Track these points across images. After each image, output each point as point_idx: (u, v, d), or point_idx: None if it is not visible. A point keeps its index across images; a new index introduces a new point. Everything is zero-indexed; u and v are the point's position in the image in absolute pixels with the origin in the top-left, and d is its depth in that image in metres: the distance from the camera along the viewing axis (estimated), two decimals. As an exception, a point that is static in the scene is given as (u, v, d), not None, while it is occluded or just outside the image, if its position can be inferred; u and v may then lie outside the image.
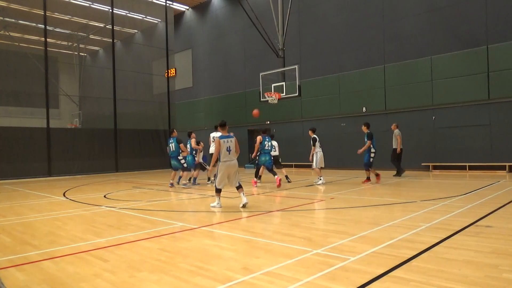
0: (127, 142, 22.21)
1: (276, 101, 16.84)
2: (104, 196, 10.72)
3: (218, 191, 8.04)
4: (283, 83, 17.05)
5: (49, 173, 19.07)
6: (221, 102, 26.05)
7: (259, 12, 20.27)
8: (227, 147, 7.88)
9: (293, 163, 21.17)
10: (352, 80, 19.00)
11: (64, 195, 11.38)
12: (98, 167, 20.76)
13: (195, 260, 4.38)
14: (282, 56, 18.34)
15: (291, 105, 21.03)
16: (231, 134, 8.76)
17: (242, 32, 24.31)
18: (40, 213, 8.27)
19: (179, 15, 28.70)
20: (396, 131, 14.19)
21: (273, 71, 17.63)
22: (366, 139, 12.13)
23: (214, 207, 8.06)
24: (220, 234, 5.79)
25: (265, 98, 17.03)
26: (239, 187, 8.04)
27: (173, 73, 25.63)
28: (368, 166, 12.11)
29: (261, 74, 17.68)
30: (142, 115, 23.78)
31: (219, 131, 9.27)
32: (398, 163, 14.08)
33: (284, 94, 16.83)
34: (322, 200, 9.00)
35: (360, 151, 12.25)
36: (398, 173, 14.05)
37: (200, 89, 27.77)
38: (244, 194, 8.08)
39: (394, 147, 14.11)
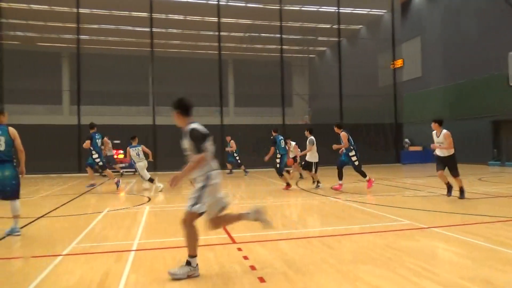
0: (352, 136, 22.62)
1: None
2: (331, 188, 11.26)
3: None
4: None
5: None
6: (455, 90, 23.11)
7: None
8: None
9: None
10: None
11: (296, 184, 12.58)
12: (325, 159, 22.03)
13: (423, 262, 4.05)
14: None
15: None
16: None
17: (482, 8, 20.80)
18: (278, 198, 9.43)
19: (406, 2, 27.11)
20: None
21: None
22: None
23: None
24: (454, 237, 5.15)
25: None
26: None
27: (400, 63, 24.46)
28: None
29: (510, 53, 14.72)
30: (366, 109, 23.76)
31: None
32: None
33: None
34: None
35: None
36: None
37: (430, 78, 25.43)
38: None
39: None
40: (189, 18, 23.75)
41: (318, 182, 11.25)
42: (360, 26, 26.52)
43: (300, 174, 13.97)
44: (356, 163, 10.30)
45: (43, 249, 4.95)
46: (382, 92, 24.35)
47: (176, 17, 23.45)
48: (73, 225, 6.54)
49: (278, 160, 11.35)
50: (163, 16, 22.32)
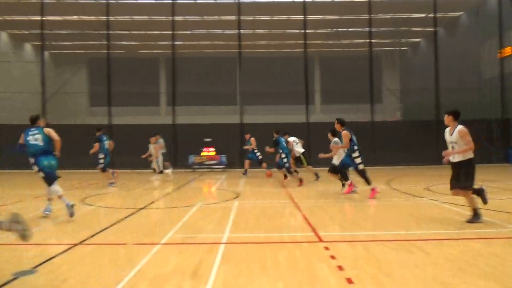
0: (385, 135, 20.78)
1: None
2: (426, 188, 10.51)
3: None
4: None
5: (373, 163, 20.63)
6: None
7: None
8: None
9: None
10: None
11: (389, 184, 11.98)
12: (418, 159, 20.60)
13: (539, 275, 3.56)
14: None
15: None
16: None
17: None
18: (362, 200, 9.06)
19: (515, -19, 24.01)
20: None
21: None
22: None
23: None
24: None
25: None
26: None
27: (509, 51, 21.78)
28: None
29: None
30: (467, 104, 21.60)
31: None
32: None
33: None
34: None
35: None
36: None
37: (546, 67, 22.22)
38: None
39: None
40: (275, 18, 24.01)
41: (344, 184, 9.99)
42: (460, 12, 24.19)
43: (316, 175, 12.97)
44: (360, 166, 8.82)
45: (144, 237, 5.42)
46: (486, 84, 21.94)
47: (263, 17, 23.89)
48: (169, 216, 7.06)
49: (285, 160, 11.65)
50: (250, 18, 22.90)
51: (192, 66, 27.72)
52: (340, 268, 3.92)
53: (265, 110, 26.99)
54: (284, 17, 23.71)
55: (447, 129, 6.16)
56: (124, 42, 26.09)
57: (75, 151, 18.14)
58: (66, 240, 5.20)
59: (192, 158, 19.26)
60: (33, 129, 7.01)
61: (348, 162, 9.37)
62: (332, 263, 4.09)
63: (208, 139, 19.60)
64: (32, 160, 6.86)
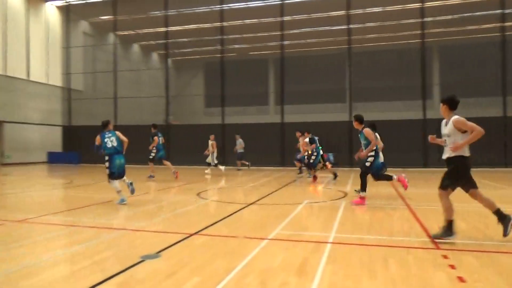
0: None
1: None
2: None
3: None
4: None
5: (506, 164, 18.09)
6: None
7: None
8: None
9: None
10: None
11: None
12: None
13: None
14: None
15: None
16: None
17: None
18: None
19: None
20: None
21: None
22: None
23: None
24: None
25: None
26: None
27: None
28: None
29: None
30: None
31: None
32: None
33: None
34: None
35: None
36: None
37: None
38: None
39: None
40: (388, 8, 22.71)
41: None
42: None
43: (334, 174, 13.20)
44: (367, 164, 8.02)
45: (253, 231, 5.64)
46: None
47: (375, 9, 22.80)
48: (277, 213, 7.21)
49: (313, 158, 12.83)
50: (360, 11, 22.06)
51: (299, 64, 27.91)
52: (461, 279, 3.53)
53: (375, 107, 25.76)
54: (398, 7, 22.25)
55: (443, 121, 5.14)
56: (236, 46, 27.50)
57: (193, 149, 19.82)
58: (184, 230, 5.69)
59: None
60: (107, 132, 8.27)
61: (383, 163, 8.69)
62: (451, 273, 3.70)
63: (316, 137, 19.53)
64: (106, 158, 8.13)
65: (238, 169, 18.05)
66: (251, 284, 3.50)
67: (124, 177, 8.28)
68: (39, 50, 24.80)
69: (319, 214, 6.97)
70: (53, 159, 24.07)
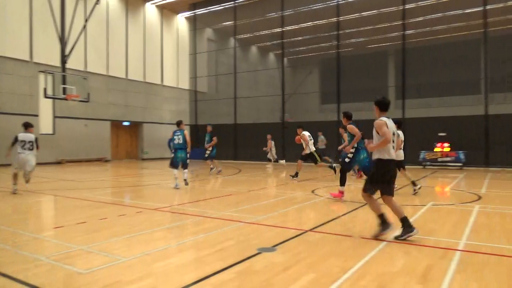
0: None
1: None
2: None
3: None
4: None
5: None
6: None
7: None
8: None
9: None
10: None
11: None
12: None
13: None
14: None
15: None
16: None
17: None
18: None
19: None
20: None
21: None
22: None
23: None
24: None
25: None
26: None
27: None
28: None
29: None
30: None
31: None
32: None
33: None
34: None
35: None
36: None
37: None
38: None
39: None
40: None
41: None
42: None
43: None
44: (347, 160, 8.24)
45: (370, 232, 5.37)
46: None
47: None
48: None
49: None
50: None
51: (423, 55, 25.66)
52: None
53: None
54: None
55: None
56: (352, 40, 26.62)
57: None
58: (299, 226, 5.73)
59: (423, 154, 17.87)
60: (178, 131, 10.18)
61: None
62: None
63: (442, 134, 17.75)
64: (173, 150, 10.28)
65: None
66: (368, 286, 3.34)
67: (186, 170, 10.29)
68: (171, 58, 27.78)
69: (446, 218, 6.31)
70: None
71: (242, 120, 25.27)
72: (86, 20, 18.90)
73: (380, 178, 5.00)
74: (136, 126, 25.72)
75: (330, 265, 3.91)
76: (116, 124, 24.22)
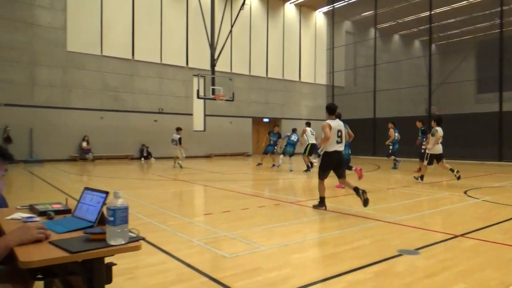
0: None
1: None
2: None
3: None
4: None
5: None
6: None
7: None
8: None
9: None
10: None
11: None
12: None
13: None
14: None
15: None
16: None
17: None
18: None
19: None
20: None
21: None
22: None
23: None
24: None
25: None
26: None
27: None
28: None
29: None
30: None
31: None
32: None
33: None
34: None
35: None
36: None
37: None
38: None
39: None
40: None
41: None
42: None
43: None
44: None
45: (542, 244, 4.49)
46: None
47: None
48: None
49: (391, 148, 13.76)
50: None
51: None
52: None
53: None
54: None
55: None
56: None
57: (463, 141, 17.75)
58: (447, 230, 5.16)
59: None
60: (294, 133, 12.66)
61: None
62: None
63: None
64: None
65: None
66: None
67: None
68: (308, 55, 28.09)
69: None
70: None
71: (381, 114, 23.93)
72: (232, 26, 20.55)
73: (327, 166, 6.56)
74: (275, 122, 26.87)
75: (485, 277, 3.42)
76: (257, 121, 25.75)
